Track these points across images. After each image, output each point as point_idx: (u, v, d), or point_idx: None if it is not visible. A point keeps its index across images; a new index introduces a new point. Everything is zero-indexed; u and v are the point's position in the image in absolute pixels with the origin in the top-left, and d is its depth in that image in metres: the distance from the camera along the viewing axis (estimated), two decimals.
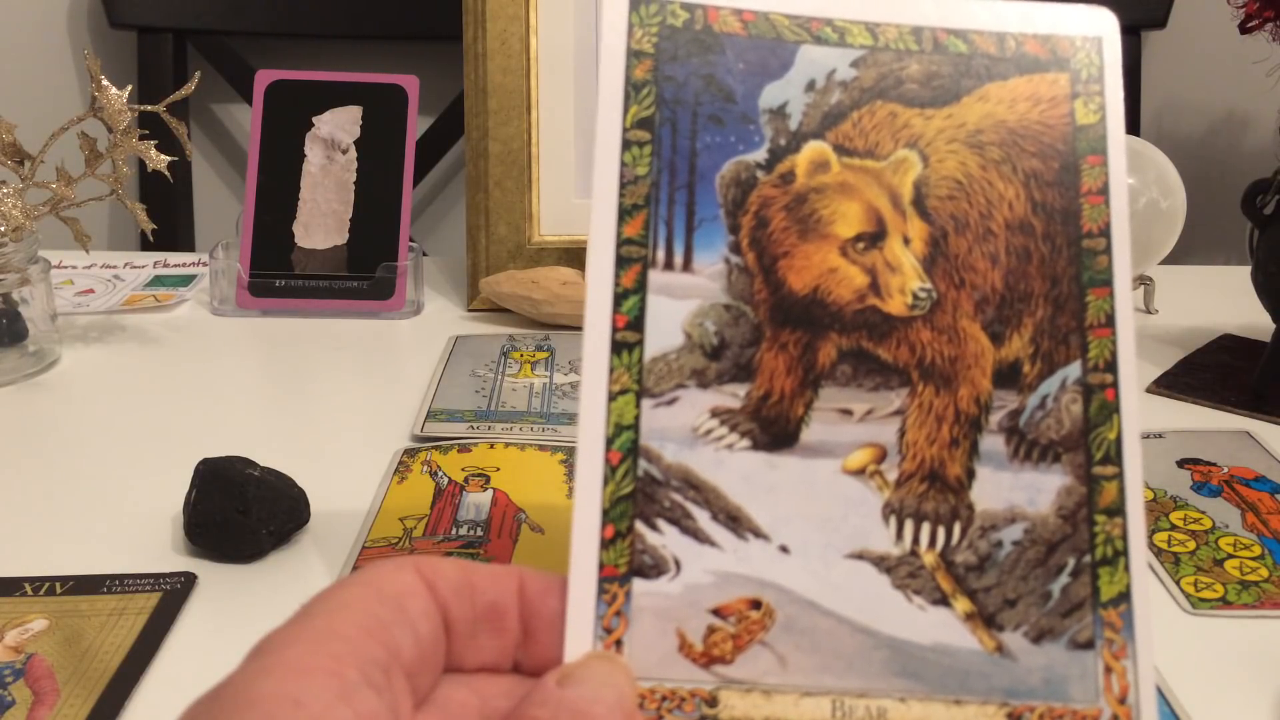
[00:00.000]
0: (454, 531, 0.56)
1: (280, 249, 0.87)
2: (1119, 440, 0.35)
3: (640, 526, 0.33)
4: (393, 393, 0.73)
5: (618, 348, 0.35)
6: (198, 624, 0.50)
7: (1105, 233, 0.37)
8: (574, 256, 0.87)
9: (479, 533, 0.56)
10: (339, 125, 0.89)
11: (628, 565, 0.33)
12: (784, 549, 0.34)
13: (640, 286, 0.35)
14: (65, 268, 0.94)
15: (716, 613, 0.33)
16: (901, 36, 0.38)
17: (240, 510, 0.53)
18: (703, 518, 0.34)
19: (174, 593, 0.51)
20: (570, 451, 0.63)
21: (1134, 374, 0.36)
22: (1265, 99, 1.21)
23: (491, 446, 0.64)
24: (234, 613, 0.50)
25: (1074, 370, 0.36)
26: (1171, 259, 0.87)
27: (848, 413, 0.36)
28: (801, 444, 0.35)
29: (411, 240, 0.88)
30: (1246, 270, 0.77)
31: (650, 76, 0.37)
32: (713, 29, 0.37)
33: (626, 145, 0.36)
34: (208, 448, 0.57)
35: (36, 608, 0.50)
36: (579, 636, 0.32)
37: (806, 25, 0.38)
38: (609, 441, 0.34)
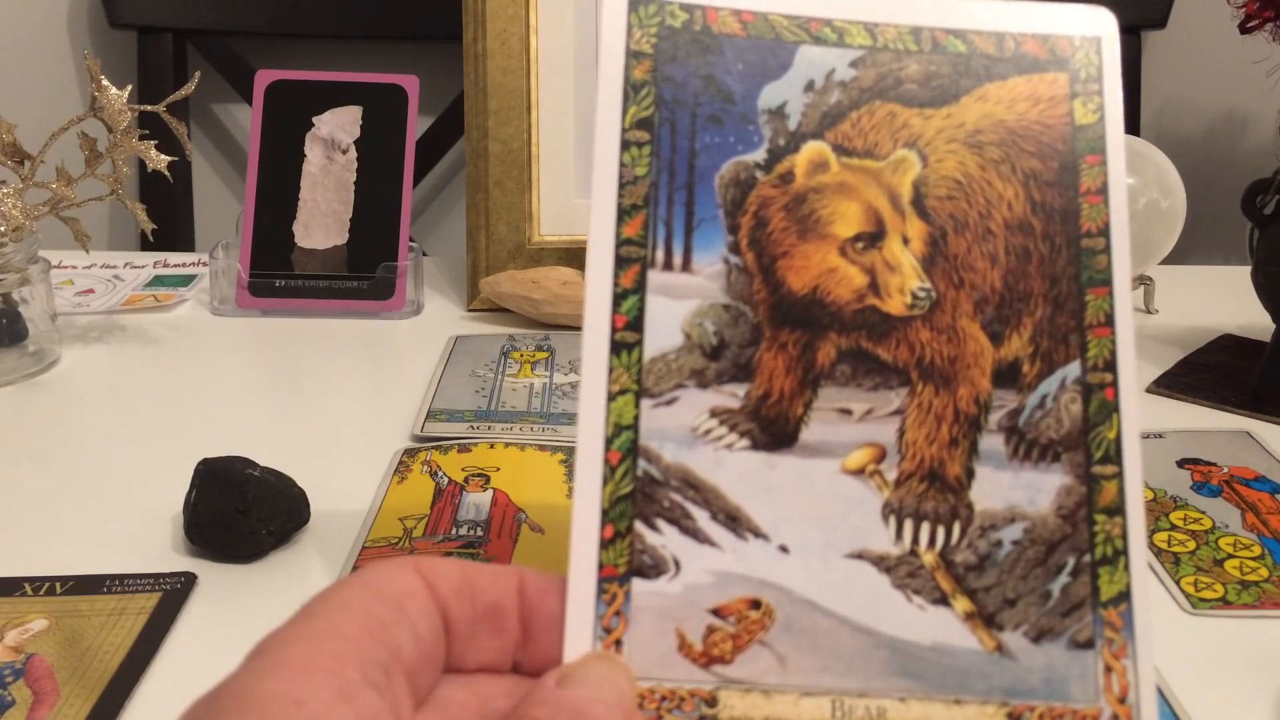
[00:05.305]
0: (454, 531, 0.56)
1: (280, 249, 0.87)
2: (1118, 439, 0.35)
3: (640, 526, 0.33)
4: (393, 393, 0.73)
5: (617, 348, 0.35)
6: (198, 624, 0.50)
7: (1104, 232, 0.37)
8: (574, 256, 0.87)
9: (479, 533, 0.56)
10: (339, 125, 0.89)
11: (627, 565, 0.33)
12: (783, 549, 0.34)
13: (639, 286, 0.35)
14: (65, 268, 0.94)
15: (716, 612, 0.33)
16: (900, 36, 0.38)
17: (240, 510, 0.53)
18: (702, 518, 0.34)
19: (174, 593, 0.51)
20: (570, 451, 0.63)
21: (1133, 373, 0.36)
22: (1265, 99, 1.21)
23: (491, 446, 0.64)
24: (234, 613, 0.50)
25: (1073, 370, 0.36)
26: (1171, 259, 0.87)
27: (847, 412, 0.36)
28: (801, 444, 0.35)
29: (411, 240, 0.88)
30: (1246, 270, 0.77)
31: (649, 77, 0.37)
32: (712, 29, 0.37)
33: (625, 146, 0.36)
34: (208, 448, 0.57)
35: (36, 608, 0.50)
36: (578, 636, 0.32)
37: (805, 26, 0.38)
38: (608, 441, 0.34)
